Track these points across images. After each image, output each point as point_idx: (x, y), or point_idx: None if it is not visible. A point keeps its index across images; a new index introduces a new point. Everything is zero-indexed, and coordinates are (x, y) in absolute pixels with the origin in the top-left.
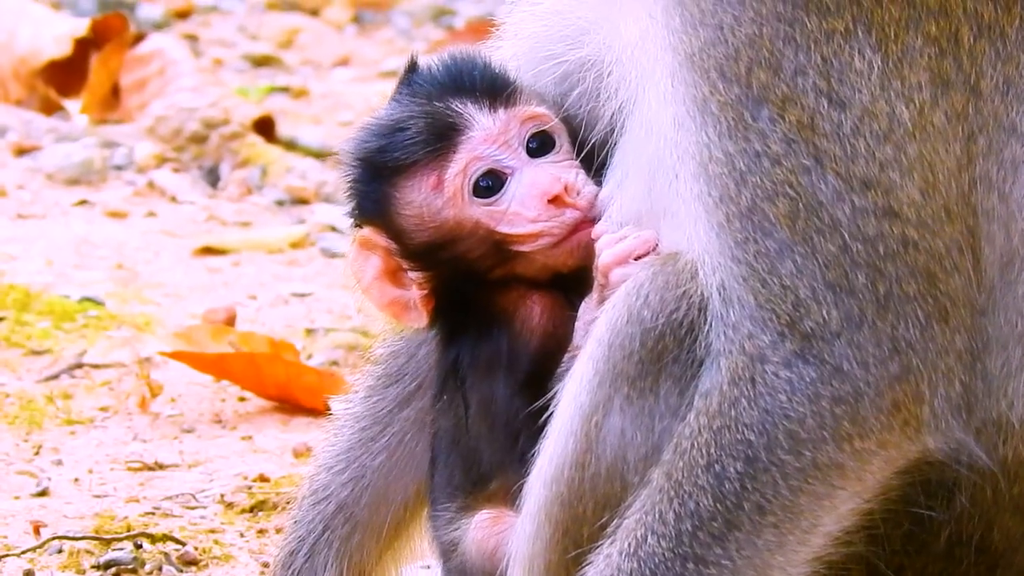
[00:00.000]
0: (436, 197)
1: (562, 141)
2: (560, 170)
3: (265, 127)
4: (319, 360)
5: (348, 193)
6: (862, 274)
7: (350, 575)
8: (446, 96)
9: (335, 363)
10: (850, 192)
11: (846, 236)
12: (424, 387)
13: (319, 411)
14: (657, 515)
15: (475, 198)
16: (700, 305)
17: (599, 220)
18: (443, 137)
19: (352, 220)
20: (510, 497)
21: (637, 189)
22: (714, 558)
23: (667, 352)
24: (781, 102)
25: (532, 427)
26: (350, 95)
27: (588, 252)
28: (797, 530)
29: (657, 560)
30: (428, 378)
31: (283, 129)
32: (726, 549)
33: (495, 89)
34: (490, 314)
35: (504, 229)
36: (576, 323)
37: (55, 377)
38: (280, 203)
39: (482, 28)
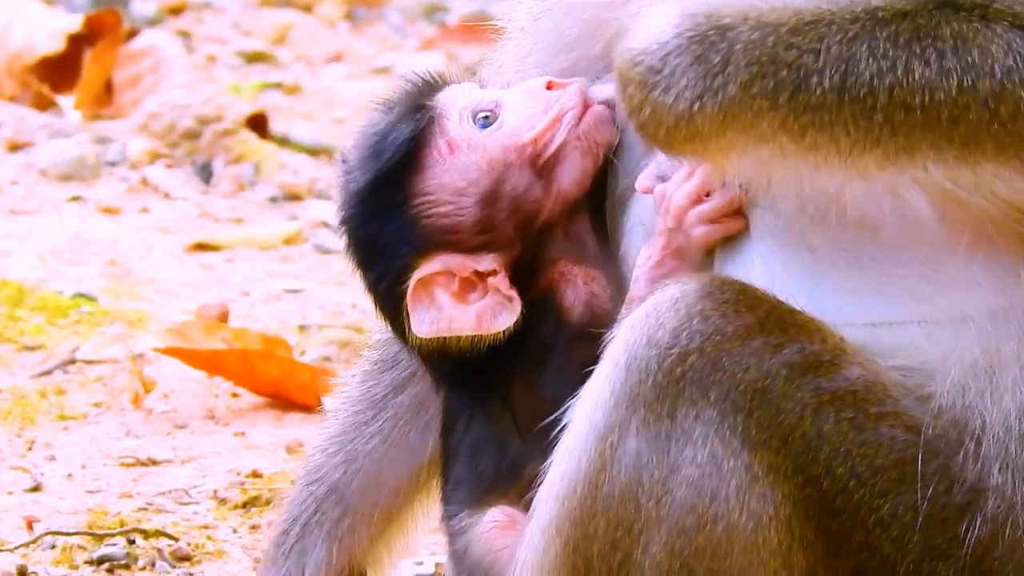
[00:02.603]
0: (456, 156)
1: None
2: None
3: (258, 123)
4: (312, 356)
5: (374, 255)
6: None
7: (340, 558)
8: (403, 103)
9: (328, 359)
10: None
11: None
12: (419, 374)
13: (312, 407)
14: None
15: (486, 132)
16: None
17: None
18: (424, 108)
19: (393, 278)
20: (528, 496)
21: None
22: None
23: (685, 376)
24: None
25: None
26: (343, 91)
27: (612, 127)
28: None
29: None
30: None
31: (276, 126)
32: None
33: (437, 72)
34: (538, 297)
35: (529, 135)
36: (635, 272)
37: (48, 373)
38: (273, 199)
39: (474, 25)
